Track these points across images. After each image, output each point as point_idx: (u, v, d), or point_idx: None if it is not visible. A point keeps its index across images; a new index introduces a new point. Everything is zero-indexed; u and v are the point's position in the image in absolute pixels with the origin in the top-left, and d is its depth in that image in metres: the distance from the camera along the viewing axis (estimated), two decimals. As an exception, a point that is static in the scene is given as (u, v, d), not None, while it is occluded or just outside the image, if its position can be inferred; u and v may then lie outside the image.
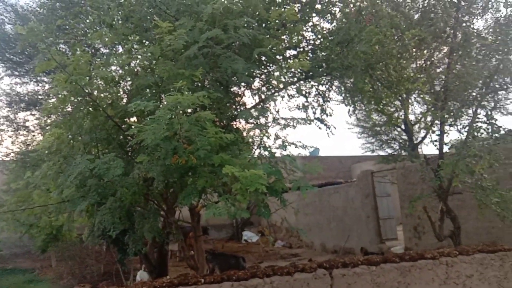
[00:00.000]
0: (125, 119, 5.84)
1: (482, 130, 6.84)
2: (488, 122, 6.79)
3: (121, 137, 5.93)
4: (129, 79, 6.14)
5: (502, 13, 7.43)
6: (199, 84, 5.68)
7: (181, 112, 4.46)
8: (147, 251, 7.82)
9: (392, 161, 10.41)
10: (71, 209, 5.54)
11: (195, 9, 5.72)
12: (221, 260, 10.82)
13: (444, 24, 7.31)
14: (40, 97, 12.20)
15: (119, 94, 6.13)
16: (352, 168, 24.07)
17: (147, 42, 6.13)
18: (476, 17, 7.75)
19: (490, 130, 6.74)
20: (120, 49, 6.60)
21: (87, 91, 5.34)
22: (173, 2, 5.87)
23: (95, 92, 5.65)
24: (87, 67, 5.34)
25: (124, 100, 6.19)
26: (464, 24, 7.47)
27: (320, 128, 7.75)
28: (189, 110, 5.06)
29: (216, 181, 4.68)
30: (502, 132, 6.81)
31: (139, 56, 5.82)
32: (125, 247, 6.69)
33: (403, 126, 9.00)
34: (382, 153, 15.24)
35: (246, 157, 4.69)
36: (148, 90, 5.61)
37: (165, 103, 4.43)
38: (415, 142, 8.96)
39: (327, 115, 7.82)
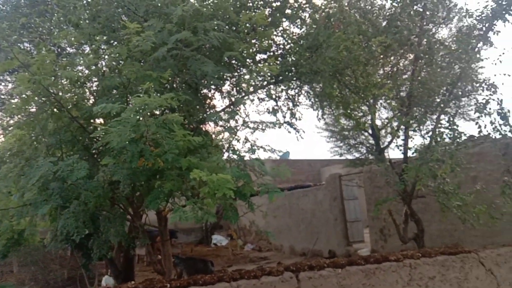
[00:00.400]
0: (91, 121, 5.71)
1: (444, 136, 7.01)
2: (450, 127, 6.97)
3: (86, 139, 5.80)
4: (95, 79, 6.02)
5: (465, 23, 7.72)
6: (168, 86, 5.62)
7: (148, 114, 4.40)
8: (113, 256, 7.65)
9: (359, 165, 10.61)
10: (33, 213, 5.36)
11: (165, 11, 5.67)
12: (189, 264, 10.72)
13: (409, 32, 7.51)
14: (2, 97, 11.79)
15: (85, 95, 6.00)
16: (321, 171, 24.33)
17: (114, 43, 6.03)
18: (439, 26, 8.01)
19: (452, 136, 6.92)
20: (87, 49, 6.46)
21: (51, 91, 5.19)
22: (142, 3, 5.80)
23: (60, 93, 5.51)
24: (52, 67, 5.20)
25: (90, 101, 6.06)
26: (428, 33, 7.70)
27: (289, 132, 7.85)
28: (157, 112, 5.00)
29: (184, 184, 4.63)
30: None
31: (106, 57, 5.72)
32: (89, 251, 6.53)
33: (370, 131, 9.17)
34: (350, 157, 15.52)
35: (215, 160, 4.66)
36: (115, 91, 5.51)
37: (132, 104, 4.36)
38: (381, 146, 9.14)
39: (296, 119, 7.93)
